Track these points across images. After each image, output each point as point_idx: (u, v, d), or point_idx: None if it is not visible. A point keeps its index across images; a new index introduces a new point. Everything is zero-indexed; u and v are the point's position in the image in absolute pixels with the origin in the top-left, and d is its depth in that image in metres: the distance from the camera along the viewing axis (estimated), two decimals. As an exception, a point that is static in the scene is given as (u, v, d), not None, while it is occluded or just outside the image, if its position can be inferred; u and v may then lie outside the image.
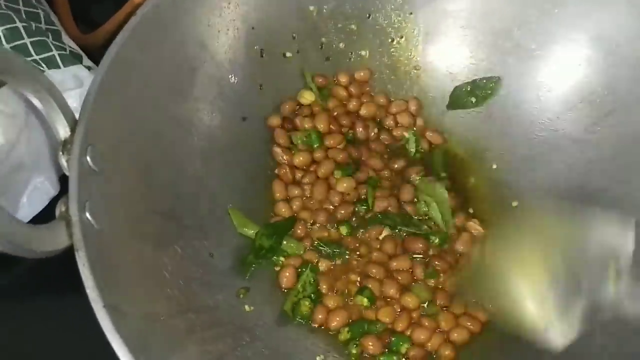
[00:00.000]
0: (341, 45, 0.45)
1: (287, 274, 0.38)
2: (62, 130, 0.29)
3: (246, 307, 0.36)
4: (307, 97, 0.44)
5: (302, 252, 0.39)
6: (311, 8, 0.43)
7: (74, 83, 0.44)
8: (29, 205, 0.45)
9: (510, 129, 0.44)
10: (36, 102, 0.27)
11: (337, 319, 0.37)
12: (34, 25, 0.45)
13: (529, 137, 0.43)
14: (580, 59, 0.41)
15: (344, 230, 0.40)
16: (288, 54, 0.43)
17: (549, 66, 0.43)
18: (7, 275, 0.42)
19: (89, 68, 0.44)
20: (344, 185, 0.41)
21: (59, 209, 0.27)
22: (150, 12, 0.34)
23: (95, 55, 0.47)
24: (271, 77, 0.43)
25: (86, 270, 0.25)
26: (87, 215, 0.27)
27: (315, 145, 0.42)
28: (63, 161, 0.28)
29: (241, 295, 0.36)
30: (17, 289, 0.42)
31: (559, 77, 0.42)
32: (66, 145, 0.29)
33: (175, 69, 0.37)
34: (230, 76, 0.41)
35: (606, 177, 0.40)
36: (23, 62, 0.26)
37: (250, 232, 0.39)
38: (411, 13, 0.44)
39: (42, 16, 0.48)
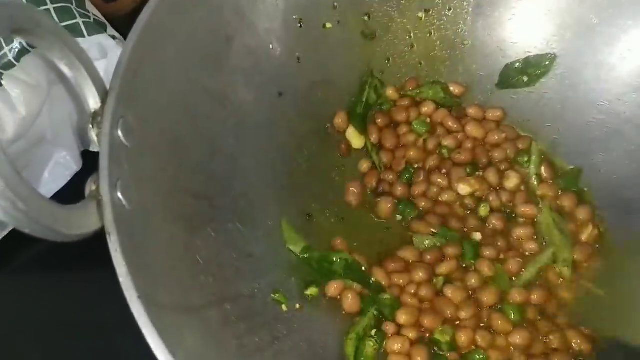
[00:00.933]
0: (384, 17, 0.42)
1: (351, 298, 0.35)
2: (92, 101, 0.26)
3: (283, 306, 0.33)
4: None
5: None
6: (355, -25, 0.40)
7: (99, 53, 0.42)
8: (51, 181, 0.44)
9: (565, 111, 0.41)
10: (65, 69, 0.25)
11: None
12: (57, -10, 0.43)
13: (585, 121, 0.40)
14: (651, 36, 0.38)
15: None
16: (328, 25, 0.40)
17: (612, 43, 0.39)
18: (35, 248, 0.41)
19: (113, 37, 0.42)
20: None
21: (89, 187, 0.25)
22: (185, -26, 0.31)
23: (119, 24, 0.45)
24: (309, 50, 0.40)
25: (119, 255, 0.23)
26: (119, 194, 0.25)
27: None
28: (93, 135, 0.26)
29: (276, 295, 0.34)
30: (45, 262, 0.41)
31: (623, 56, 0.39)
32: (96, 117, 0.26)
33: (210, 37, 0.35)
34: (267, 47, 0.38)
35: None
36: (53, 24, 0.24)
37: (299, 248, 0.36)
38: (462, -18, 0.41)
39: (64, -18, 0.45)
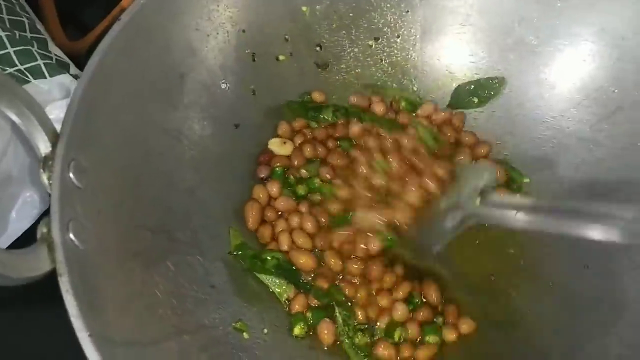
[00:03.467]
0: (336, 47, 0.43)
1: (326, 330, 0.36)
2: (43, 146, 0.27)
3: (244, 334, 0.34)
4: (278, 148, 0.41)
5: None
6: (304, 8, 0.41)
7: (61, 93, 0.43)
8: (18, 220, 0.44)
9: (514, 129, 0.42)
10: (14, 117, 0.26)
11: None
12: (17, 34, 0.43)
13: (534, 137, 0.42)
14: (585, 54, 0.40)
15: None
16: (281, 57, 0.42)
17: (551, 62, 0.41)
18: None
19: (75, 77, 0.43)
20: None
21: (40, 230, 0.25)
22: (134, 17, 0.32)
23: (84, 62, 0.46)
24: (264, 82, 0.41)
25: (69, 296, 0.23)
26: (71, 235, 0.26)
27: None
28: (44, 179, 0.27)
29: (238, 324, 0.34)
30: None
31: (562, 74, 0.41)
32: (47, 161, 0.27)
33: (163, 75, 0.36)
34: (221, 82, 0.39)
35: (616, 176, 0.38)
36: (-3, 75, 0.25)
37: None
38: (408, 11, 0.43)
39: (26, 24, 0.46)
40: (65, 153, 0.27)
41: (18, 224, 0.44)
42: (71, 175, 0.27)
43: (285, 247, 0.37)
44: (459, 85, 0.44)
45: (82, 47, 0.50)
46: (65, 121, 0.28)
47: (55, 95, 0.43)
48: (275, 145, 0.40)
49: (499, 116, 0.43)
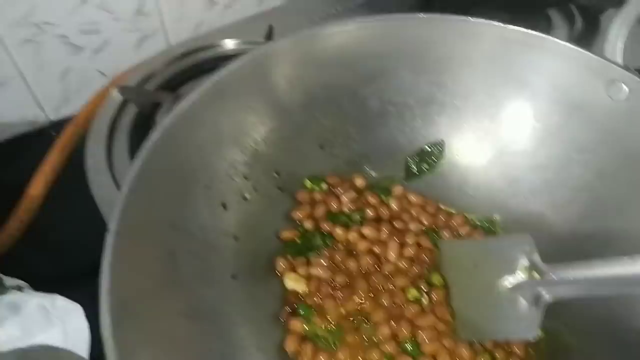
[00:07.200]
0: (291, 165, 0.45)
1: None
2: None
3: None
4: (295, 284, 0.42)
5: None
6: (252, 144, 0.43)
7: (9, 311, 0.40)
8: None
9: (466, 185, 0.47)
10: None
11: None
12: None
13: (489, 178, 0.46)
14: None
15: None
16: (247, 196, 0.42)
17: (479, 117, 0.46)
18: None
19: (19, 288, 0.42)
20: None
21: None
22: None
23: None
24: (241, 224, 0.41)
25: None
26: None
27: None
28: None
29: None
30: None
31: (494, 120, 0.46)
32: None
33: (158, 261, 0.35)
34: (208, 242, 0.39)
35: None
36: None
37: None
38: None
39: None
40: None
41: None
42: None
43: None
44: (406, 157, 0.48)
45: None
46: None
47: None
48: (292, 281, 0.41)
49: (451, 176, 0.47)
